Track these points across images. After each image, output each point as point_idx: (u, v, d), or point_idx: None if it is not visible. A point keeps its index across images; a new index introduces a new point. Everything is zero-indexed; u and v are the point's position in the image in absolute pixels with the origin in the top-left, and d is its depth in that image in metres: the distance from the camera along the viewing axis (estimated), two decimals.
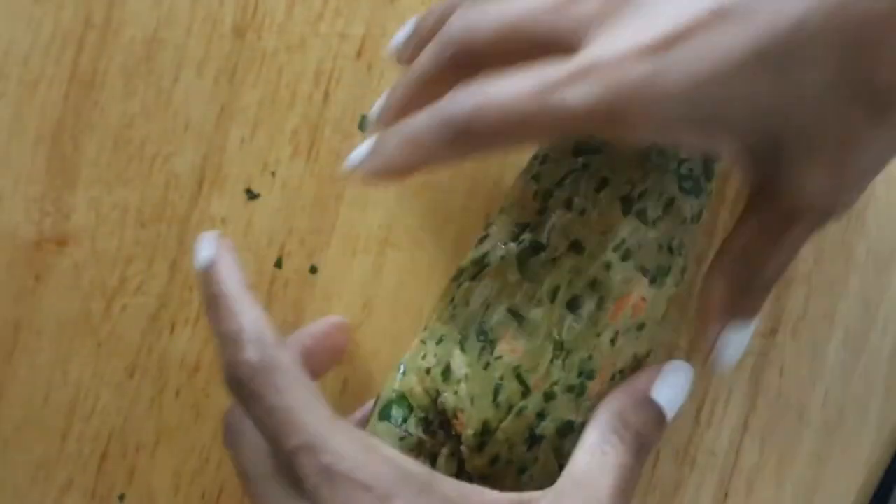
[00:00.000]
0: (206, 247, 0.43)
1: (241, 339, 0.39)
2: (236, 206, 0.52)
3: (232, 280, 0.41)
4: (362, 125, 0.52)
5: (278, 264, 0.52)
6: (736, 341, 0.40)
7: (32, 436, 0.53)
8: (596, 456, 0.38)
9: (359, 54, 0.52)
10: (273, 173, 0.52)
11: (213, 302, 0.41)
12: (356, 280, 0.52)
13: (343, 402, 0.53)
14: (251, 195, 0.53)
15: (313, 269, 0.52)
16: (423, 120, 0.37)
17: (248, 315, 0.40)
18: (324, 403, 0.38)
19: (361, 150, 0.41)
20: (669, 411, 0.40)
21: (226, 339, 0.39)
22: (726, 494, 0.50)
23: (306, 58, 0.52)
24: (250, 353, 0.38)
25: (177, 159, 0.53)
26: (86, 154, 0.52)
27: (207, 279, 0.42)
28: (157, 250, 0.53)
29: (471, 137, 0.36)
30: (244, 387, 0.38)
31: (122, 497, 0.53)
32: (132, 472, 0.53)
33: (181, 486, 0.53)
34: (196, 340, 0.53)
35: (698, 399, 0.50)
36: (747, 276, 0.38)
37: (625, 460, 0.38)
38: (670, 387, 0.40)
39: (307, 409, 0.38)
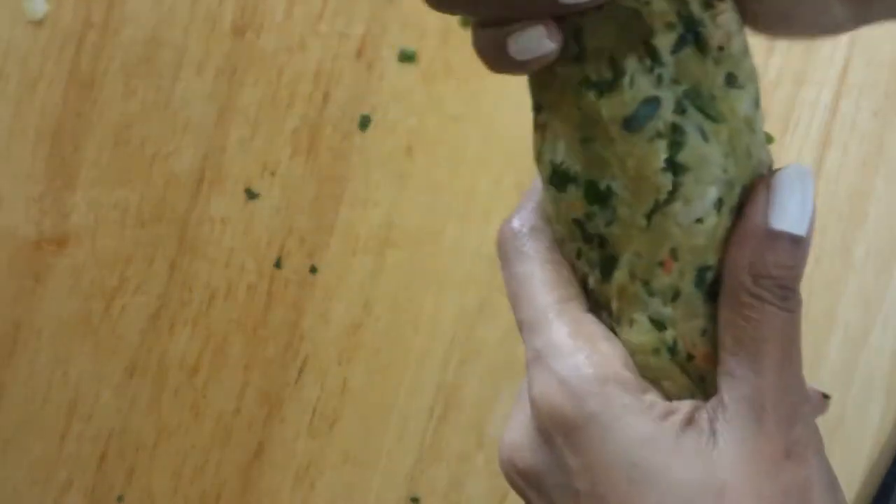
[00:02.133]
0: None
1: (519, 209, 0.40)
2: (236, 206, 0.52)
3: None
4: (362, 125, 0.52)
5: (278, 264, 0.52)
6: None
7: (32, 436, 0.53)
8: (736, 329, 0.34)
9: (359, 54, 0.52)
10: (273, 173, 0.52)
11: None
12: (356, 280, 0.52)
13: (343, 402, 0.53)
14: (251, 195, 0.53)
15: (313, 269, 0.52)
16: None
17: (533, 195, 0.40)
18: (566, 283, 0.38)
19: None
20: (802, 228, 0.34)
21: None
22: None
23: (306, 58, 0.52)
24: (515, 221, 0.39)
25: (176, 159, 0.52)
26: (85, 154, 0.52)
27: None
28: (157, 250, 0.53)
29: None
30: (501, 248, 0.39)
31: (121, 497, 0.53)
32: (131, 473, 0.53)
33: (181, 487, 0.53)
34: (196, 340, 0.53)
35: None
36: None
37: (775, 319, 0.34)
38: (790, 204, 0.34)
39: (542, 285, 0.37)
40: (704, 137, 0.35)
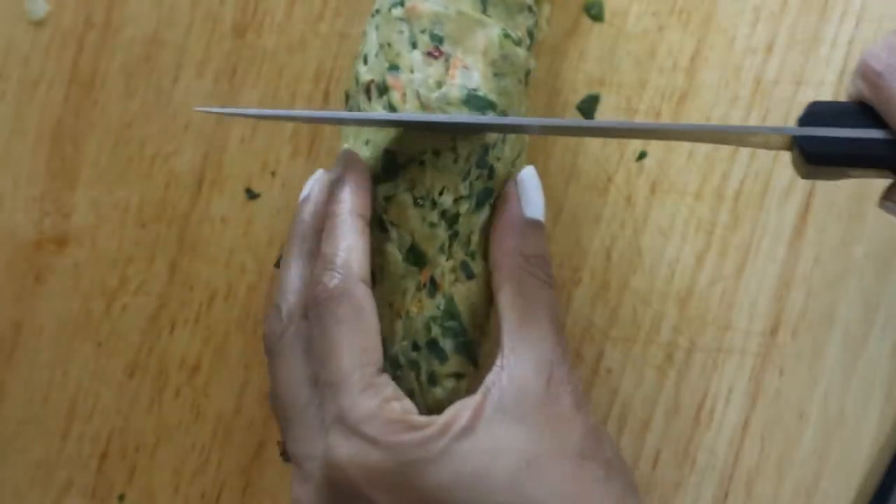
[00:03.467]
0: (340, 162, 0.44)
1: (331, 263, 0.42)
2: (236, 206, 0.52)
3: (350, 203, 0.43)
4: None
5: (278, 264, 0.52)
6: None
7: (32, 436, 0.53)
8: (519, 302, 0.40)
9: (359, 54, 0.52)
10: (273, 173, 0.52)
11: (327, 221, 0.43)
12: None
13: None
14: (251, 195, 0.53)
15: None
16: None
17: (347, 242, 0.42)
18: (373, 348, 0.41)
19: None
20: (541, 216, 0.43)
21: (322, 259, 0.42)
22: (726, 494, 0.50)
23: (306, 58, 0.52)
24: (331, 279, 0.41)
25: (177, 159, 0.53)
26: (86, 154, 0.52)
27: (332, 196, 0.43)
28: (157, 250, 0.53)
29: None
30: (315, 307, 0.41)
31: (121, 497, 0.53)
32: (132, 472, 0.53)
33: (181, 486, 0.53)
34: (196, 340, 0.53)
35: (698, 399, 0.50)
36: None
37: (546, 293, 0.41)
38: (533, 196, 0.43)
39: (351, 350, 0.40)
40: None
